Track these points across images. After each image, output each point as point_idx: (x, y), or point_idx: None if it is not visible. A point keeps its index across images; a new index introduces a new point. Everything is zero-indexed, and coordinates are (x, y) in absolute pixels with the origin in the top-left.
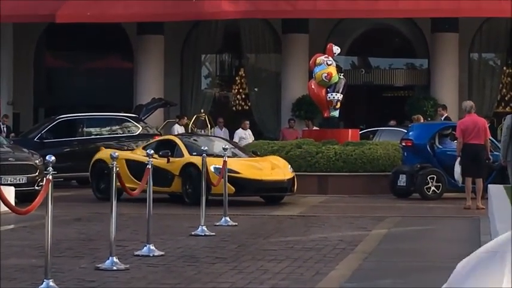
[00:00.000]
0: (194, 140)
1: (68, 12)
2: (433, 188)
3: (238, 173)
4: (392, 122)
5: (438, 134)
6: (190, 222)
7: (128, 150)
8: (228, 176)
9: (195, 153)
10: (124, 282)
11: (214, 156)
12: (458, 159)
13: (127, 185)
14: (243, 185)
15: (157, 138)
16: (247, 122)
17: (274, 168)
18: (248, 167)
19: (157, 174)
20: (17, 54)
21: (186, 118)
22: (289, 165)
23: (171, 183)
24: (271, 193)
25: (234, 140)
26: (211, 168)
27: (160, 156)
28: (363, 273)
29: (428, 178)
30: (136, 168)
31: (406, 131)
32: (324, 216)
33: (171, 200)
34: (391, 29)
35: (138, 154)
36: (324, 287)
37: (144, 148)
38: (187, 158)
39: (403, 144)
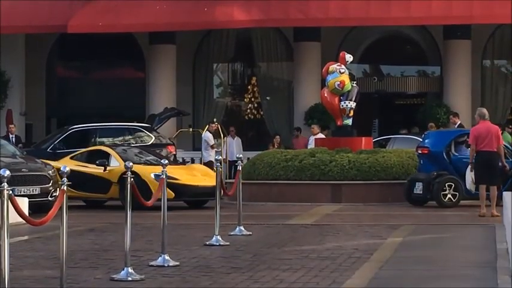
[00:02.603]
0: (123, 150)
1: (79, 23)
2: (449, 195)
3: (177, 179)
4: (403, 131)
5: (454, 142)
6: (204, 232)
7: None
8: (168, 182)
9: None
10: None
11: (149, 165)
12: (469, 166)
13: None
14: (181, 191)
15: (88, 148)
16: (213, 125)
17: (205, 175)
18: (184, 174)
19: (95, 182)
20: (29, 65)
21: (215, 125)
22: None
23: (108, 190)
24: (205, 198)
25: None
26: (152, 176)
27: (97, 165)
28: (379, 282)
29: (445, 186)
30: (73, 178)
31: (419, 139)
32: (339, 224)
33: (185, 209)
34: (403, 37)
35: (70, 164)
36: None
37: (72, 158)
38: (123, 166)
39: (419, 152)
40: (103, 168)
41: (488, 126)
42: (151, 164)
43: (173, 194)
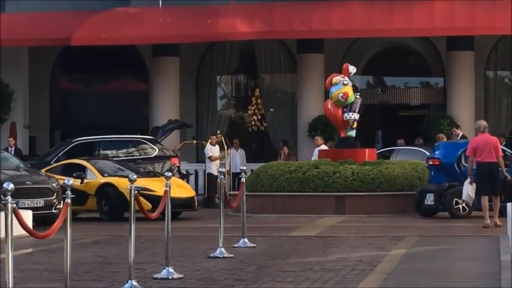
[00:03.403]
0: (99, 163)
1: (83, 35)
2: (462, 206)
3: (153, 191)
4: (400, 141)
5: (464, 153)
6: (208, 244)
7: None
8: (145, 194)
9: (106, 175)
10: None
11: (126, 177)
12: (468, 179)
13: None
14: (158, 202)
15: (64, 161)
16: (214, 137)
17: (180, 187)
18: (161, 186)
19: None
20: (32, 78)
21: (216, 136)
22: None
23: (86, 202)
24: (181, 209)
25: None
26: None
27: (75, 177)
28: None
29: (458, 196)
30: None
31: (422, 150)
32: (343, 236)
33: (189, 221)
34: (406, 48)
35: None
36: None
37: (48, 171)
38: (101, 178)
39: (430, 163)
40: (80, 180)
41: (487, 137)
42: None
43: (150, 206)
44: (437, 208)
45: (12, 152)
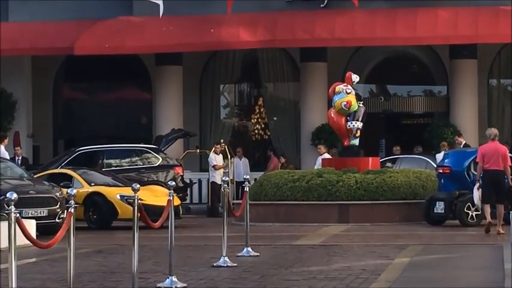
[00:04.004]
0: (85, 172)
1: (86, 44)
2: (472, 214)
3: (142, 199)
4: (396, 148)
5: (473, 161)
6: (211, 253)
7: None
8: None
9: (93, 184)
10: None
11: (111, 186)
12: (477, 184)
13: None
14: (146, 210)
15: (50, 171)
16: (218, 146)
17: (165, 196)
18: (148, 195)
19: None
20: (35, 87)
21: (220, 145)
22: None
23: None
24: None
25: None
26: (118, 197)
27: (62, 187)
28: None
29: (469, 205)
30: None
31: (426, 159)
32: (346, 245)
33: (192, 230)
34: (409, 56)
35: None
36: None
37: None
38: (88, 187)
39: (440, 171)
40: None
41: (496, 146)
42: (114, 185)
43: (139, 214)
44: (447, 216)
45: (19, 162)
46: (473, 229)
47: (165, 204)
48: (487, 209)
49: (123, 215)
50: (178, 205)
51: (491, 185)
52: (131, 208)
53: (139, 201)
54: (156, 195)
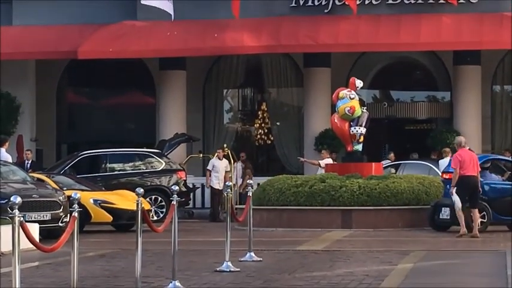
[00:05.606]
0: (58, 177)
1: (89, 49)
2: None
3: (114, 204)
4: (390, 154)
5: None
6: (214, 258)
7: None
8: (106, 206)
9: (65, 189)
10: None
11: (85, 191)
12: (455, 189)
13: None
14: (119, 214)
15: None
16: (220, 151)
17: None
18: (120, 199)
19: None
20: (39, 91)
21: (223, 150)
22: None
23: None
24: (133, 221)
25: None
26: (91, 201)
27: None
28: None
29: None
30: None
31: (429, 164)
32: (349, 250)
33: (195, 234)
34: (413, 62)
35: None
36: None
37: None
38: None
39: (446, 177)
40: None
41: (471, 153)
42: (87, 190)
43: (111, 218)
44: (453, 222)
45: (28, 165)
46: (482, 235)
47: (133, 208)
48: (461, 214)
49: (96, 218)
50: (149, 209)
51: (467, 190)
52: (104, 212)
53: (112, 205)
54: (127, 199)
